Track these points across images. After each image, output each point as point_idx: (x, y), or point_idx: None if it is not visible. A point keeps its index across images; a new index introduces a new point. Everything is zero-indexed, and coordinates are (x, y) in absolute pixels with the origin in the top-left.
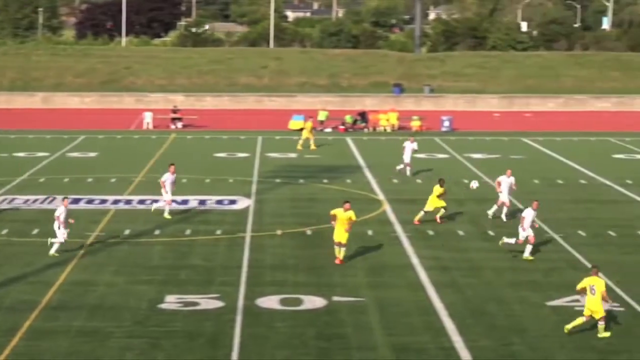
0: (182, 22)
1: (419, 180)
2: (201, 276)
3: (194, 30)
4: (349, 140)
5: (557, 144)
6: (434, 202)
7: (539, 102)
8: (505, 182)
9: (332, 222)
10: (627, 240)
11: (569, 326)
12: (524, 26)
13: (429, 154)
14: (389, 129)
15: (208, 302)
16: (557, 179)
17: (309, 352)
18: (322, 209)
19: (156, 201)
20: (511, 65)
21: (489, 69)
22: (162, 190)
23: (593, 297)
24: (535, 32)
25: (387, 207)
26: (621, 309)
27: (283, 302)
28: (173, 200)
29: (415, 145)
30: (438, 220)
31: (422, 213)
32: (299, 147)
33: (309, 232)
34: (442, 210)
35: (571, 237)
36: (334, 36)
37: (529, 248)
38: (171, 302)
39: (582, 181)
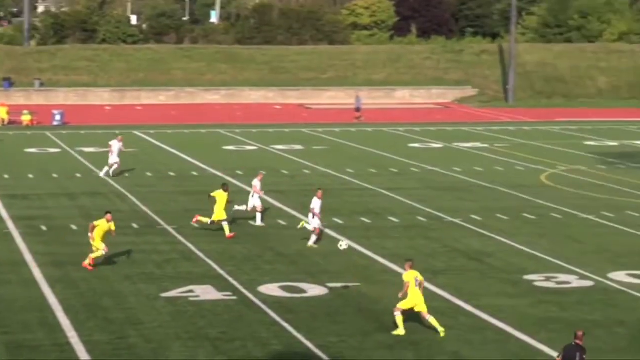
0: None
1: (30, 176)
2: None
3: None
4: None
5: (169, 136)
6: (220, 213)
7: (150, 96)
8: (257, 185)
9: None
10: (239, 229)
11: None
12: (134, 19)
13: (41, 149)
14: None
15: None
16: (169, 171)
17: None
18: None
19: None
20: (122, 58)
21: (100, 63)
22: None
23: (418, 290)
24: (145, 26)
25: None
26: (233, 297)
27: None
28: None
29: (122, 145)
30: (228, 235)
31: (208, 222)
32: None
33: None
34: (226, 224)
35: (184, 228)
36: None
37: (313, 238)
38: None
39: (194, 173)
